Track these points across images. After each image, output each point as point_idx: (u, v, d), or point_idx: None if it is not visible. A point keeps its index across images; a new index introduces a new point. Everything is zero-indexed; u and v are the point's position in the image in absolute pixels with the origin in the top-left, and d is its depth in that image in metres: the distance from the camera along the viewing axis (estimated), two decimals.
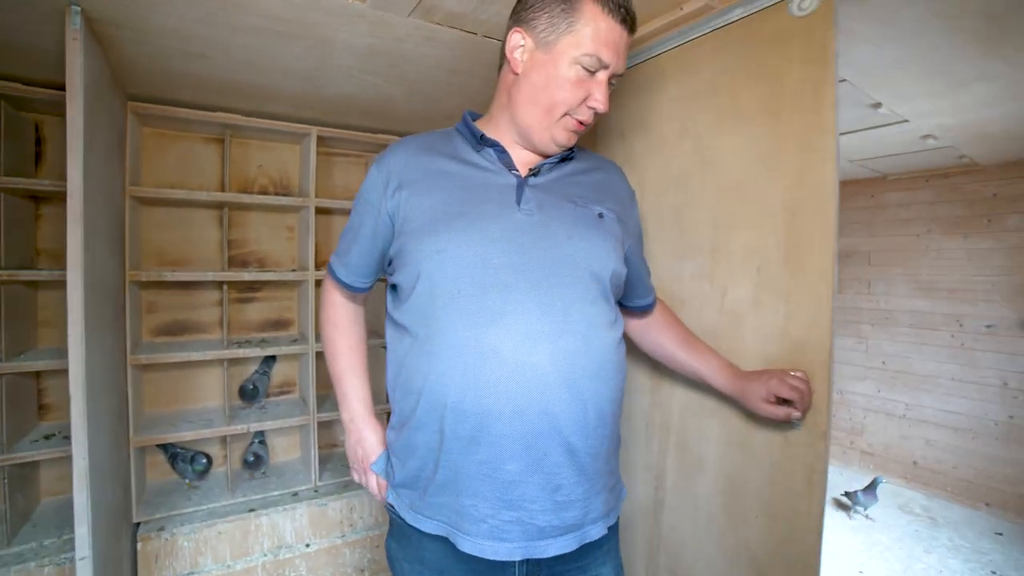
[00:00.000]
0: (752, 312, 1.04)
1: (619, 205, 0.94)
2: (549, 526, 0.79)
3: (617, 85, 0.88)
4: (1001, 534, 2.51)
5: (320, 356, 2.02)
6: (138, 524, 1.67)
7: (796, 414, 0.90)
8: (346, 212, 2.20)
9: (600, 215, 0.89)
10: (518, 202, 0.84)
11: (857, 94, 1.72)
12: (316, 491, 1.93)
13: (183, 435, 1.73)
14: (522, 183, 0.86)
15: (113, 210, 1.49)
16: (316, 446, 1.97)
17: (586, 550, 0.85)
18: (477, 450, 0.77)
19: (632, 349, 1.19)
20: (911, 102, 1.79)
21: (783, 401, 0.91)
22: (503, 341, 0.76)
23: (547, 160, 0.90)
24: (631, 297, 1.04)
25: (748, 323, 1.04)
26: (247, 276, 1.91)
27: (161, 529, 1.63)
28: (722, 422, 1.10)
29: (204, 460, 1.83)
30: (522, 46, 0.84)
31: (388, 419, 0.96)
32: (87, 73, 1.13)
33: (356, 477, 1.02)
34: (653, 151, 1.26)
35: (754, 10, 1.02)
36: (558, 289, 0.79)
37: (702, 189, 1.14)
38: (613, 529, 0.91)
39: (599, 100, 0.83)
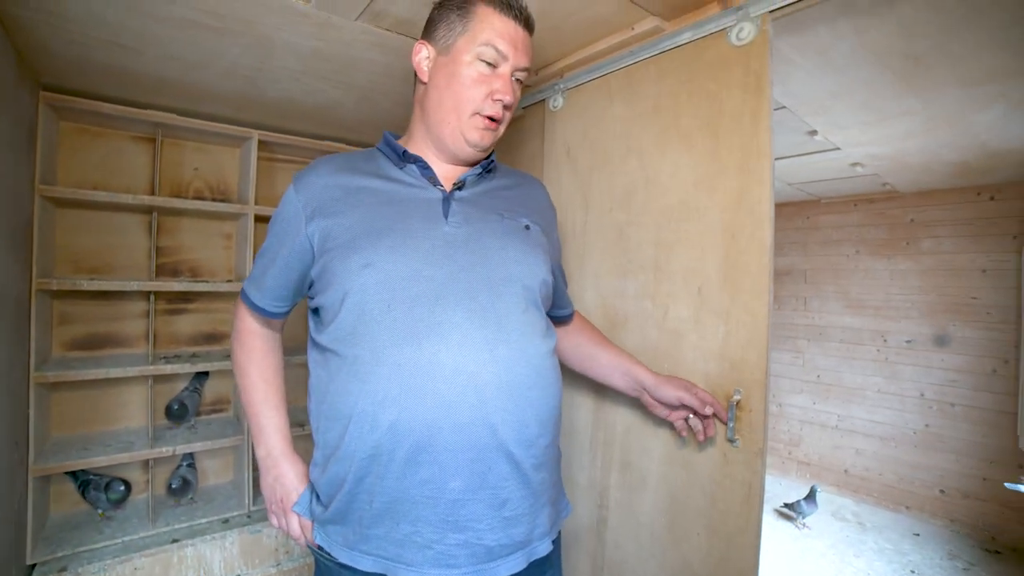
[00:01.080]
0: (693, 331, 1.06)
1: (543, 218, 0.96)
2: (498, 545, 0.76)
3: (525, 81, 0.89)
4: (918, 535, 2.68)
5: None
6: (33, 566, 1.48)
7: (692, 424, 1.00)
8: None
9: (527, 227, 0.90)
10: (445, 216, 0.83)
11: (796, 121, 1.81)
12: (249, 516, 1.80)
13: (97, 460, 1.56)
14: (448, 197, 0.86)
15: (16, 210, 1.34)
16: (250, 468, 1.84)
17: (532, 568, 0.82)
18: (417, 470, 0.73)
19: (567, 372, 1.17)
20: (843, 131, 1.90)
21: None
22: (441, 350, 0.74)
23: (470, 172, 0.89)
24: (553, 308, 1.04)
25: (688, 342, 1.07)
26: (178, 286, 1.77)
27: (63, 570, 1.46)
28: (664, 440, 1.11)
29: (121, 487, 1.67)
30: (426, 57, 0.87)
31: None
32: None
33: (275, 521, 0.91)
34: (598, 168, 1.28)
35: (698, 36, 1.06)
36: (491, 299, 0.79)
37: (645, 208, 1.16)
38: (557, 544, 0.89)
39: (501, 91, 0.83)
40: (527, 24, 0.86)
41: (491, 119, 0.85)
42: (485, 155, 0.91)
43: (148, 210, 1.81)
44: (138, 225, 1.87)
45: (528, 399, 0.78)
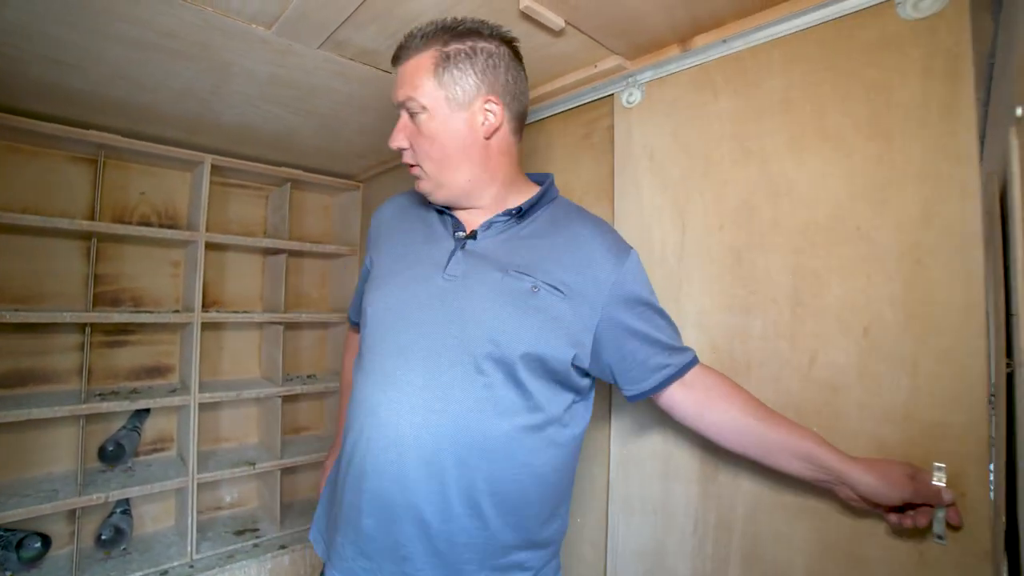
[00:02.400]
0: (857, 384, 0.82)
1: (577, 276, 0.81)
2: None
3: (419, 113, 0.80)
4: None
5: (204, 407, 1.79)
6: None
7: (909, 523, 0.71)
8: (242, 248, 2.03)
9: (533, 287, 0.78)
10: (445, 267, 0.81)
11: None
12: (192, 566, 1.66)
13: (10, 514, 1.39)
14: (457, 247, 0.83)
15: None
16: (195, 511, 1.70)
17: None
18: (354, 495, 0.80)
19: (671, 428, 1.04)
20: None
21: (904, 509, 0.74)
22: (383, 405, 0.78)
23: (494, 218, 0.85)
24: (642, 377, 0.85)
25: (851, 398, 0.83)
26: (117, 317, 1.65)
27: None
28: (815, 525, 0.84)
29: (37, 543, 1.49)
30: None
31: None
32: None
33: None
34: (699, 177, 1.05)
35: (849, 11, 0.86)
36: (447, 364, 0.75)
37: (774, 226, 0.93)
38: None
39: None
40: (396, 59, 0.83)
41: (410, 165, 0.86)
42: (467, 200, 0.85)
43: (87, 236, 1.69)
44: (75, 251, 1.75)
45: (454, 476, 0.74)
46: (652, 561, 1.08)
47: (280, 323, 1.96)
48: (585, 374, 0.85)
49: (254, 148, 1.82)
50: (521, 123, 0.87)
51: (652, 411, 1.11)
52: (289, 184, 2.02)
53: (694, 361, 0.87)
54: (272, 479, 1.92)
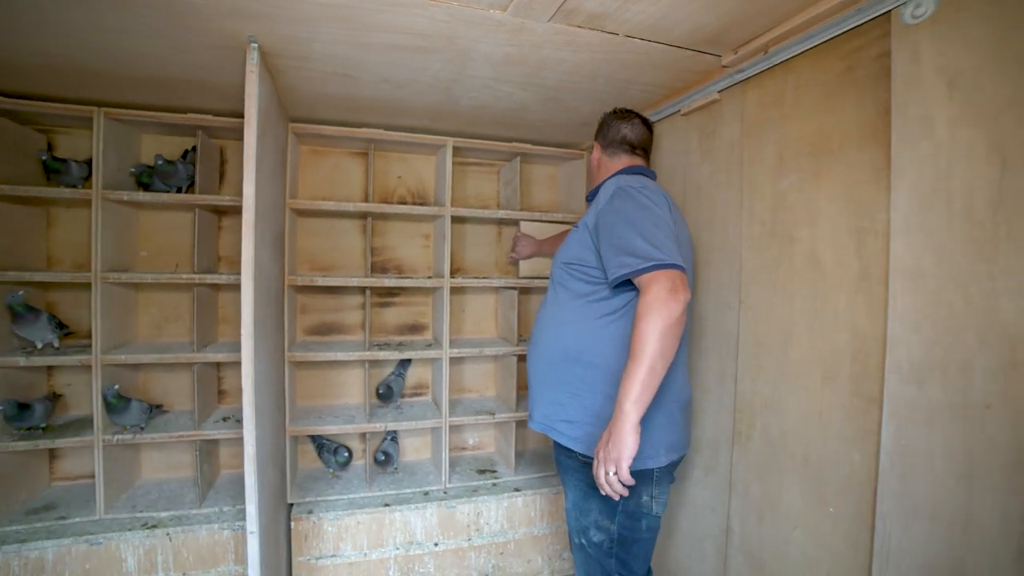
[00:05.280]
0: None
1: (592, 218, 1.27)
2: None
3: None
4: None
5: (452, 361, 2.07)
6: (291, 505, 1.84)
7: None
8: (480, 220, 2.23)
9: (574, 226, 1.37)
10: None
11: None
12: (445, 493, 1.98)
13: (328, 428, 1.87)
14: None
15: (276, 221, 1.65)
16: (447, 448, 2.02)
17: (558, 454, 1.38)
18: None
19: (975, 419, 0.86)
20: None
21: None
22: None
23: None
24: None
25: None
26: (387, 282, 2.00)
27: (310, 512, 1.79)
28: None
29: (346, 453, 1.97)
30: None
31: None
32: (260, 101, 1.25)
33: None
34: None
35: None
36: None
37: None
38: (565, 453, 1.32)
39: None
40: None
41: None
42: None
43: (363, 215, 2.08)
44: (355, 229, 2.17)
45: (535, 339, 1.41)
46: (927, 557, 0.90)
47: (515, 288, 2.14)
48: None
49: (487, 127, 1.97)
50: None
51: (944, 394, 0.89)
52: (518, 158, 2.14)
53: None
54: (508, 429, 2.15)
